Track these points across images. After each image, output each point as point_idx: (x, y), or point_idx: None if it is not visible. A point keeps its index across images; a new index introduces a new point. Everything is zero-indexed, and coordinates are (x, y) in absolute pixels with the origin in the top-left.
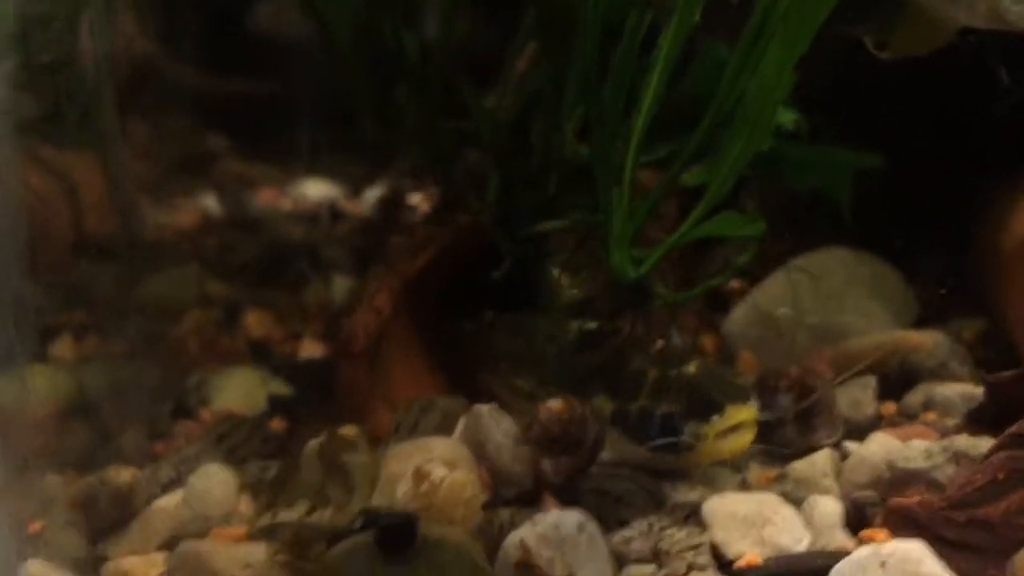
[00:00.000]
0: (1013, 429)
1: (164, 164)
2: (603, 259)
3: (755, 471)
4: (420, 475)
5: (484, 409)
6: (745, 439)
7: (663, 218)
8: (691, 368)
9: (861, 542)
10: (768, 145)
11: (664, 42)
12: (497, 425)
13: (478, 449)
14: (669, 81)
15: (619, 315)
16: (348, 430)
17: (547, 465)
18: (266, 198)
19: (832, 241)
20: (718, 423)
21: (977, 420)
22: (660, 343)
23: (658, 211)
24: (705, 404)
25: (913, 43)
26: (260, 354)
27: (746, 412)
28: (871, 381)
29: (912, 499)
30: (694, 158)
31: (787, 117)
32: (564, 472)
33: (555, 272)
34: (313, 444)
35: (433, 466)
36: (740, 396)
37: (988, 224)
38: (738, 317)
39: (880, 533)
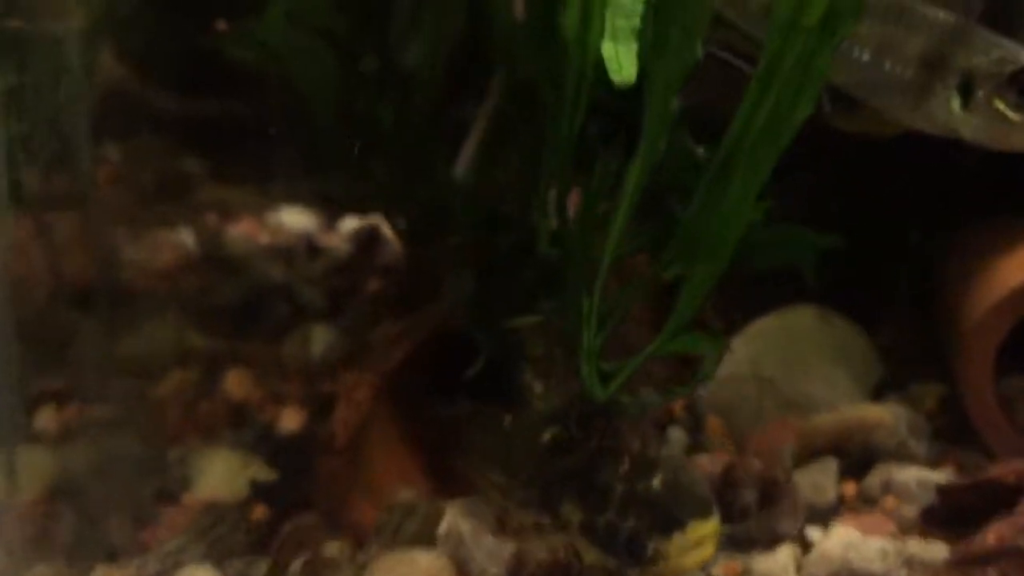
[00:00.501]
0: (961, 550)
1: (139, 191)
2: (574, 367)
3: (721, 565)
4: None
5: (466, 530)
6: (707, 552)
7: (640, 325)
8: (656, 482)
9: None
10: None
11: (632, 170)
12: (479, 548)
13: (460, 567)
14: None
15: (588, 425)
16: (331, 548)
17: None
18: (244, 229)
19: (796, 298)
20: (680, 539)
21: (930, 520)
22: (627, 459)
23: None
24: (669, 520)
25: (874, 127)
26: (241, 423)
27: (708, 527)
28: (832, 464)
29: None
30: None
31: (758, 209)
32: None
33: (527, 375)
34: (297, 564)
35: None
36: (702, 510)
37: (947, 293)
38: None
39: None
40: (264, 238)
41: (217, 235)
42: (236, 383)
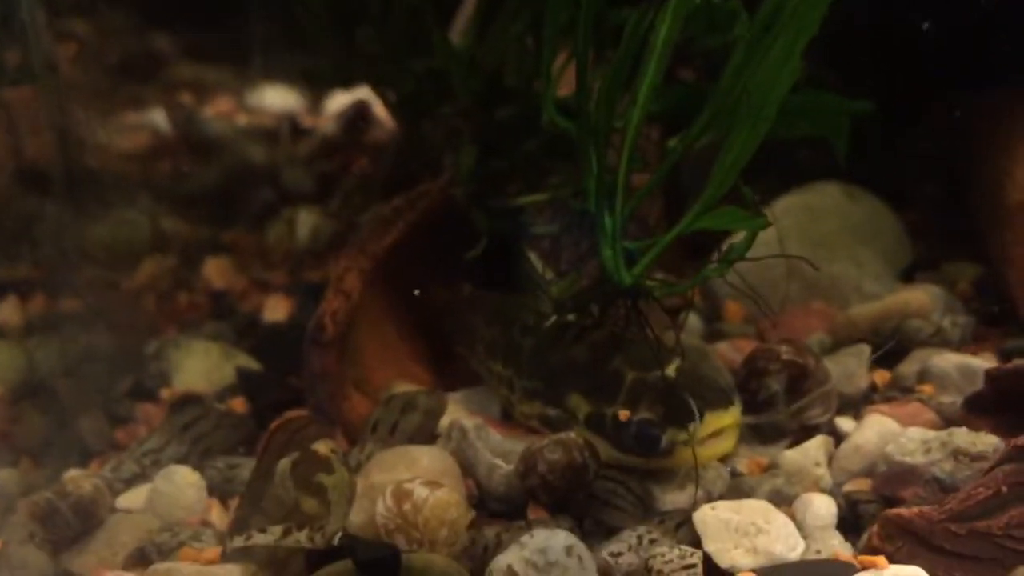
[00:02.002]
0: (1019, 441)
1: (107, 70)
2: (590, 250)
3: (745, 459)
4: (401, 494)
5: (470, 425)
6: (726, 445)
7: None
8: (671, 371)
9: (855, 550)
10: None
11: (661, 24)
12: (485, 444)
13: (465, 464)
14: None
15: (606, 311)
16: (322, 446)
17: (540, 493)
18: (221, 110)
19: (823, 174)
20: (697, 430)
21: (976, 408)
22: (641, 346)
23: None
24: (684, 411)
25: None
26: (222, 312)
27: (727, 418)
28: (865, 350)
29: (911, 510)
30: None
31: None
32: (556, 499)
33: (535, 261)
34: (285, 462)
35: (415, 485)
36: (721, 400)
37: (984, 164)
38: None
39: (879, 560)
40: (243, 119)
41: (192, 116)
42: (216, 271)
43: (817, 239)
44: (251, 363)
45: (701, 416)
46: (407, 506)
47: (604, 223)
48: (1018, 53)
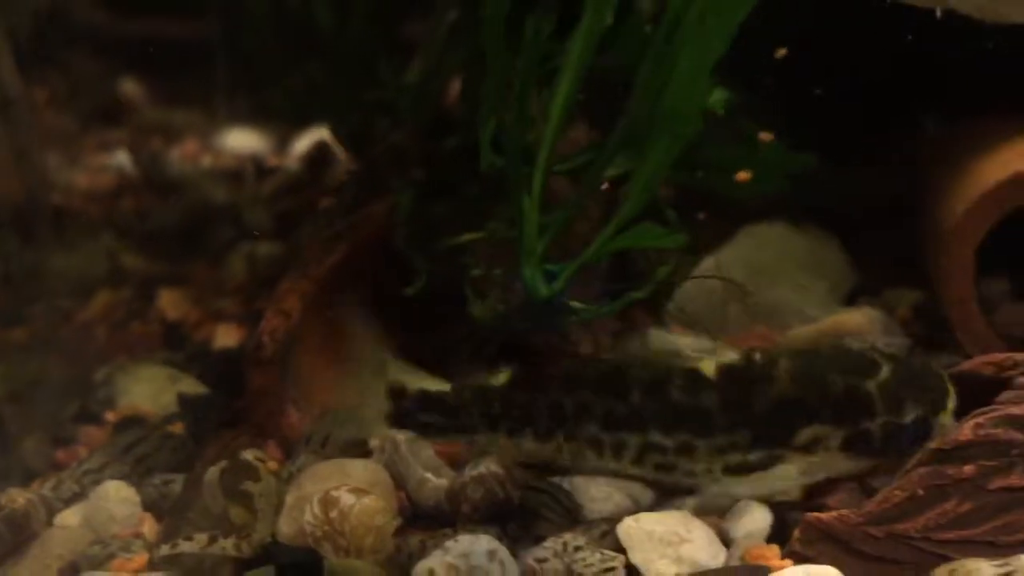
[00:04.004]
0: (934, 444)
1: (77, 114)
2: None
3: None
4: (328, 501)
5: (402, 439)
6: None
7: (590, 222)
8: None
9: (783, 556)
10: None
11: (574, 46)
12: (416, 458)
13: (397, 477)
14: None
15: (532, 333)
16: (251, 454)
17: (468, 508)
18: (187, 151)
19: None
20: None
21: None
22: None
23: (584, 216)
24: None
25: None
26: (174, 342)
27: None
28: None
29: (830, 514)
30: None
31: (716, 98)
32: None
33: (468, 290)
34: (214, 471)
35: (342, 492)
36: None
37: (927, 196)
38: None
39: (767, 551)
40: (208, 160)
41: (155, 157)
42: (170, 303)
43: (759, 267)
44: (197, 388)
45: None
46: (334, 513)
47: (524, 242)
48: (960, 90)
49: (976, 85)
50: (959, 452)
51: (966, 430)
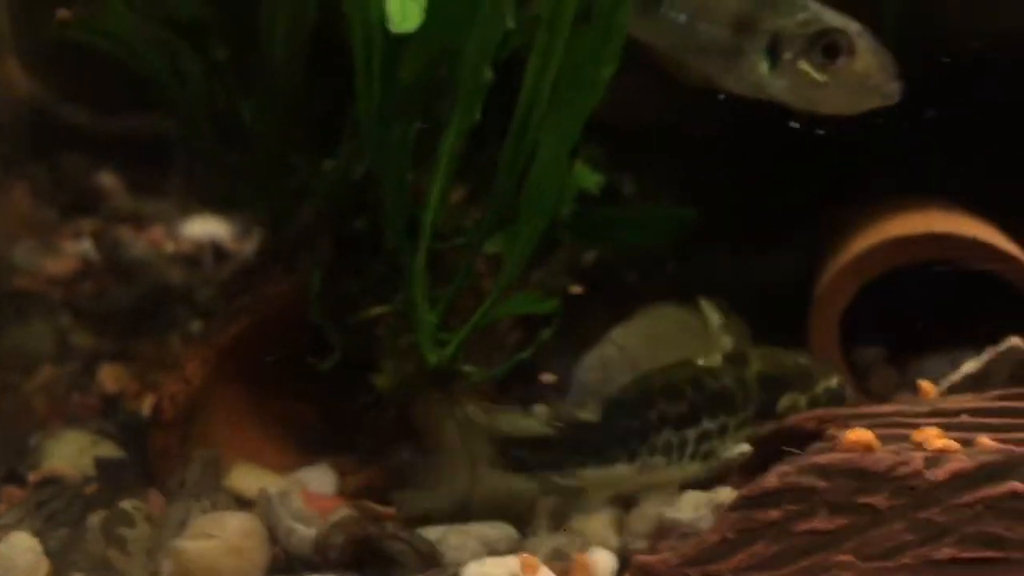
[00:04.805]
0: (744, 491)
1: (51, 204)
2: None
3: (544, 524)
4: (179, 552)
5: (275, 492)
6: None
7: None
8: None
9: None
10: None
11: (446, 140)
12: (287, 510)
13: (270, 528)
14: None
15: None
16: (129, 503)
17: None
18: (151, 237)
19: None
20: None
21: (747, 470)
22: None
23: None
24: None
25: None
26: (108, 412)
27: None
28: None
29: (655, 556)
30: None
31: (590, 180)
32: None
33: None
34: (95, 518)
35: (190, 541)
36: None
37: (817, 272)
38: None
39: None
40: (169, 245)
41: (118, 244)
42: (111, 376)
43: (657, 338)
44: (116, 451)
45: None
46: (183, 559)
47: (416, 312)
48: (854, 175)
49: (869, 170)
50: (767, 498)
51: (772, 477)
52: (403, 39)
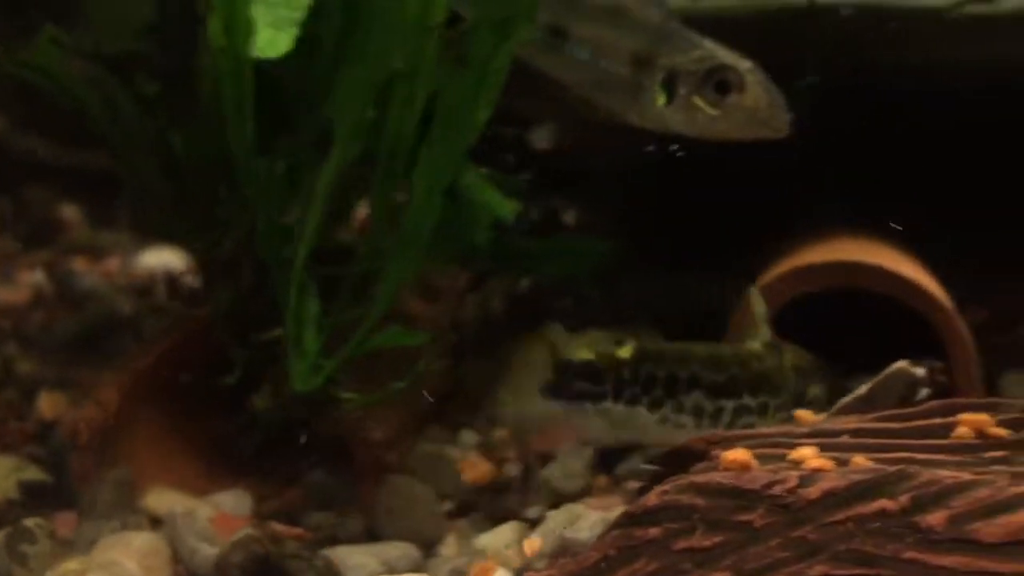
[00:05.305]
0: (626, 509)
1: (12, 235)
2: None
3: (450, 544)
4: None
5: (179, 511)
6: None
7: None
8: None
9: None
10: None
11: (324, 173)
12: (190, 530)
13: (175, 547)
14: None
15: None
16: (32, 521)
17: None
18: (108, 269)
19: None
20: None
21: (641, 493)
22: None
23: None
24: None
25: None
26: (43, 437)
27: None
28: (587, 452)
29: (541, 572)
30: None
31: (506, 210)
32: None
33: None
34: (1, 535)
35: (86, 569)
36: None
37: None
38: None
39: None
40: (121, 277)
41: (71, 274)
42: (49, 404)
43: None
44: (43, 475)
45: None
46: None
47: (289, 338)
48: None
49: (796, 201)
50: (647, 516)
51: (652, 496)
52: (276, 74)
